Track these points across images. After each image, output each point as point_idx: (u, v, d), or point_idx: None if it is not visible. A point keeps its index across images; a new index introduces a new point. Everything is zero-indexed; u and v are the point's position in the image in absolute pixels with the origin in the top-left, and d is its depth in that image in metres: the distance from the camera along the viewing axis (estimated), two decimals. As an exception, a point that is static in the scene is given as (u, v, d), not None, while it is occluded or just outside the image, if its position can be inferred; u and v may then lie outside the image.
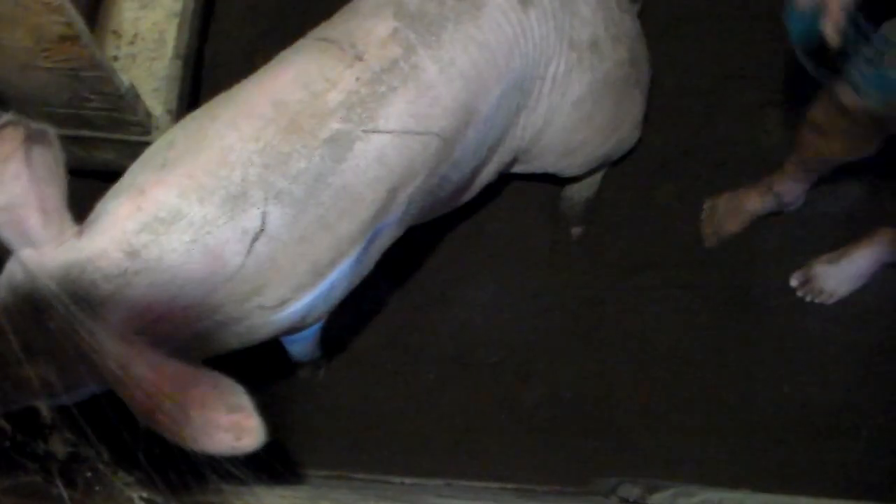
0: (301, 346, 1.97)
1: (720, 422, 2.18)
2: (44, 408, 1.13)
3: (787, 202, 2.26)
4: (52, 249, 1.29)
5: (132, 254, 1.30)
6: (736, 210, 2.31)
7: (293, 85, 1.46)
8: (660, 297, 2.28)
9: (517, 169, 2.04)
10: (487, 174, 1.89)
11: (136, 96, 1.83)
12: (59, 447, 1.11)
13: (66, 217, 1.32)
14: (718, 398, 2.20)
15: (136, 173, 1.41)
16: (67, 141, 1.91)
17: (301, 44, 1.56)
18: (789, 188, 2.23)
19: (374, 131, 1.47)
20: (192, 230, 1.34)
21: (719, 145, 2.39)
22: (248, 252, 1.37)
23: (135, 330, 1.28)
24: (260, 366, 2.09)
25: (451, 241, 2.29)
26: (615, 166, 2.29)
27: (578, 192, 2.30)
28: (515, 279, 2.29)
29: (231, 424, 1.17)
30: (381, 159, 1.47)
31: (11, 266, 1.31)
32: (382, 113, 1.47)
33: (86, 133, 1.90)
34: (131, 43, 2.00)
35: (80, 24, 1.56)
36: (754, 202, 2.29)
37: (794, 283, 2.29)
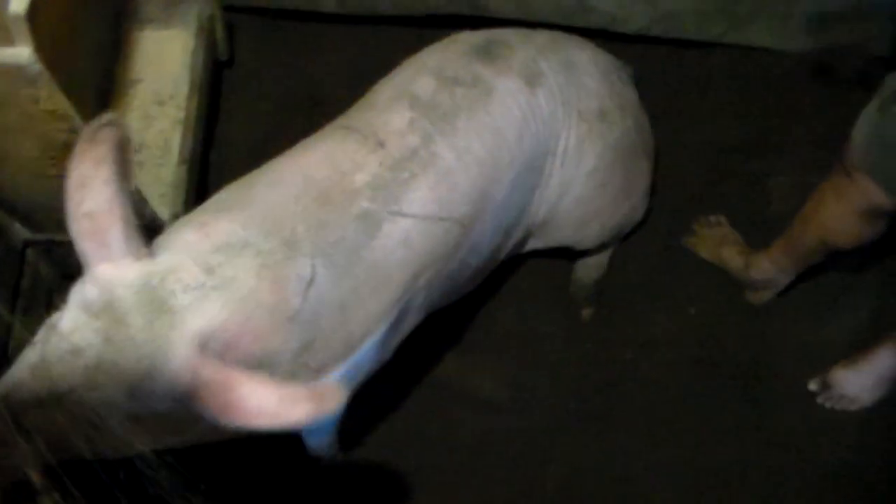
0: (320, 438, 1.96)
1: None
2: (33, 473, 1.13)
3: (755, 282, 2.24)
4: (130, 263, 1.27)
5: (209, 270, 1.31)
6: (712, 250, 2.33)
7: (321, 163, 1.53)
8: (677, 375, 2.26)
9: (532, 245, 2.05)
10: (504, 251, 1.91)
11: (143, 201, 1.86)
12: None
13: (142, 234, 1.30)
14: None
15: (193, 214, 1.46)
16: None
17: (324, 131, 1.64)
18: (765, 269, 2.20)
19: (399, 214, 1.51)
20: (261, 257, 1.36)
21: (727, 217, 2.40)
22: (304, 298, 1.38)
23: (210, 349, 1.27)
24: (278, 464, 2.07)
25: (463, 330, 2.29)
26: (623, 243, 2.30)
27: (588, 275, 2.30)
28: (529, 366, 2.27)
29: (311, 394, 1.19)
30: (406, 242, 1.52)
31: (79, 291, 1.27)
32: (406, 197, 1.52)
33: (95, 239, 1.91)
34: (137, 150, 2.04)
35: (85, 131, 1.59)
36: (733, 261, 2.29)
37: (812, 387, 2.20)
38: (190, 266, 1.30)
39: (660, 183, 2.29)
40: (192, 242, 1.36)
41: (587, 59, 1.92)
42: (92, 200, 1.24)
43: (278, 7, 2.46)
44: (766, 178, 2.42)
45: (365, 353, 1.54)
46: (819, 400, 2.18)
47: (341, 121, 1.67)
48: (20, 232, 1.91)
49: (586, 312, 2.31)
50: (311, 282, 1.39)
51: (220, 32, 2.33)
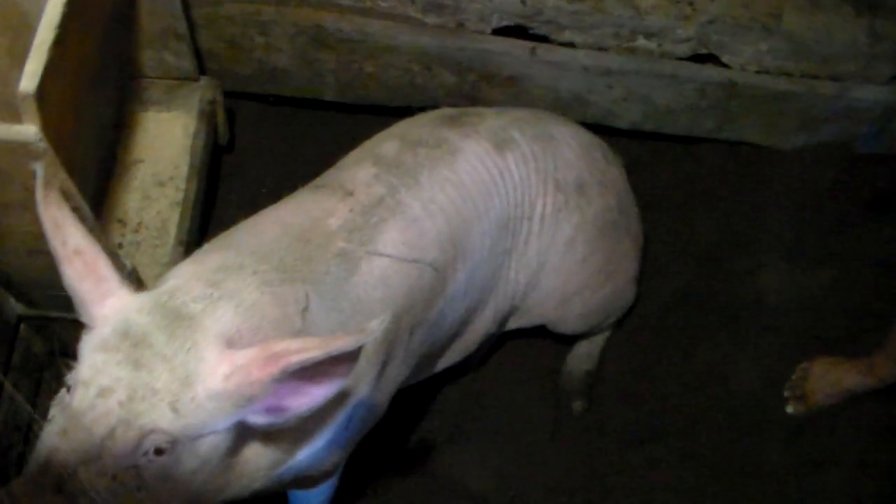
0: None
1: None
2: None
3: (890, 381, 2.15)
4: (129, 293, 1.26)
5: (214, 284, 1.31)
6: (832, 384, 2.23)
7: (295, 212, 1.58)
8: (665, 469, 2.24)
9: (516, 323, 2.06)
10: (484, 321, 1.92)
11: (139, 281, 1.86)
12: None
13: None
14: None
15: (184, 261, 1.46)
16: (70, 324, 1.93)
17: (294, 193, 1.69)
18: (890, 370, 2.12)
19: (375, 254, 1.55)
20: (258, 277, 1.37)
21: (718, 311, 2.41)
22: (304, 320, 1.38)
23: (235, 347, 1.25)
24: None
25: (453, 419, 2.27)
26: (612, 337, 2.30)
27: (578, 366, 2.30)
28: (518, 457, 2.26)
29: (350, 338, 1.18)
30: (385, 280, 1.55)
31: (88, 339, 1.24)
32: (379, 239, 1.57)
33: (89, 317, 1.91)
34: (136, 231, 2.05)
35: (86, 209, 1.60)
36: (853, 379, 2.20)
37: (787, 394, 2.27)
38: (194, 283, 1.31)
39: (648, 276, 2.31)
40: (189, 270, 1.38)
41: (567, 134, 1.97)
42: (73, 238, 1.26)
43: (280, 94, 2.51)
44: (755, 273, 2.44)
45: (357, 402, 1.53)
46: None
47: (311, 183, 1.73)
48: (14, 307, 1.91)
49: (577, 405, 2.30)
50: (305, 308, 1.40)
51: (220, 117, 2.37)
